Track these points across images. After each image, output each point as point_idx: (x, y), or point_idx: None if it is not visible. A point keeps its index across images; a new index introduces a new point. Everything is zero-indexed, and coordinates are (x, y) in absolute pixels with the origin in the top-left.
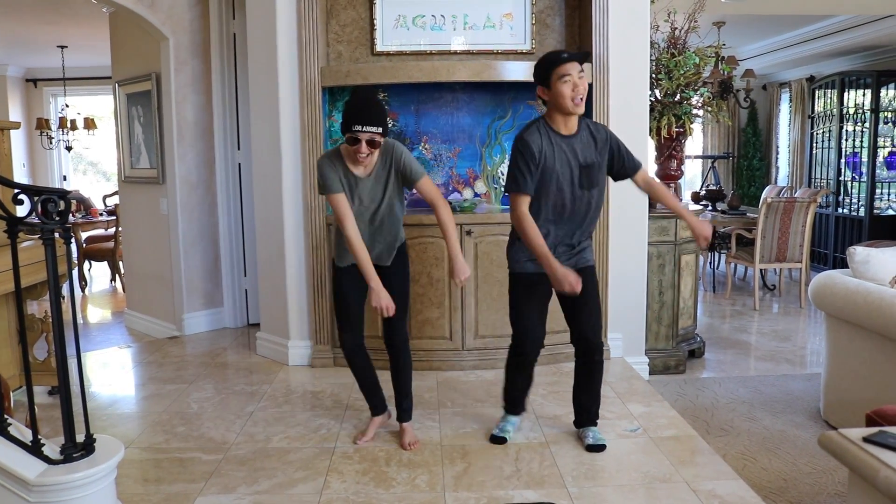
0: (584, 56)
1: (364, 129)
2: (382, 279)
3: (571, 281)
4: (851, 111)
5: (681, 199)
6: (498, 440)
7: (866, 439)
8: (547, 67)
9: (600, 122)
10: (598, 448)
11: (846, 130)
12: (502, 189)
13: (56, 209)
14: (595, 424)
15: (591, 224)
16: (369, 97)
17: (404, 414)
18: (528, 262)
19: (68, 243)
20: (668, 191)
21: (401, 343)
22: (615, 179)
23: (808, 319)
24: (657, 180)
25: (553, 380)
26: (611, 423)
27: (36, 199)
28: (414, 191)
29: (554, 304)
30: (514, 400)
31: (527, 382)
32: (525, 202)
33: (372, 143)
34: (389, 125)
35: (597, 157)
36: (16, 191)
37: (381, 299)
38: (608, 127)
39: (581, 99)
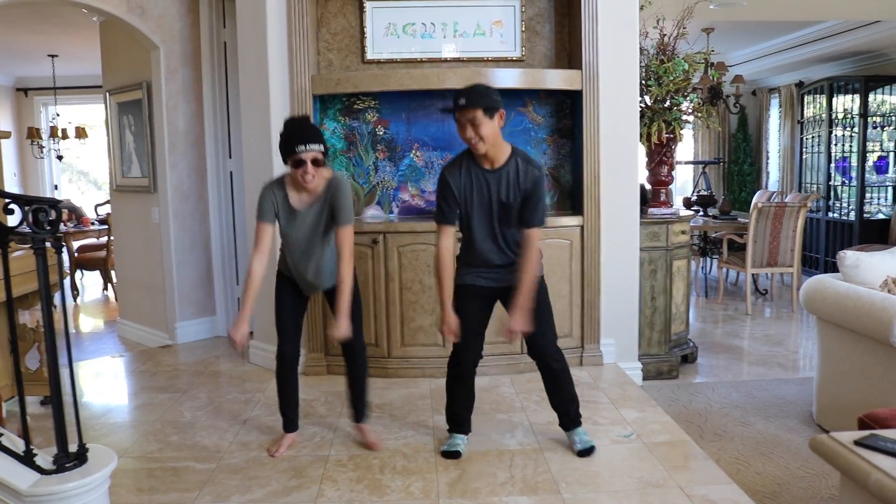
0: (468, 101)
1: (307, 147)
2: (329, 297)
3: (448, 330)
4: (840, 116)
5: (671, 205)
6: (451, 455)
7: (858, 443)
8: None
9: (537, 165)
10: (588, 452)
11: (835, 135)
12: None
13: (47, 218)
14: (579, 425)
15: (518, 249)
16: (303, 121)
17: (361, 415)
18: (464, 274)
19: (59, 252)
20: (533, 263)
21: (359, 350)
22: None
23: (799, 324)
24: (534, 248)
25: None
26: (604, 429)
27: (27, 208)
28: (403, 200)
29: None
30: (458, 418)
31: (468, 398)
32: (446, 233)
33: (316, 163)
34: (326, 143)
35: (513, 198)
36: (6, 201)
37: (237, 332)
38: (539, 173)
39: (476, 141)
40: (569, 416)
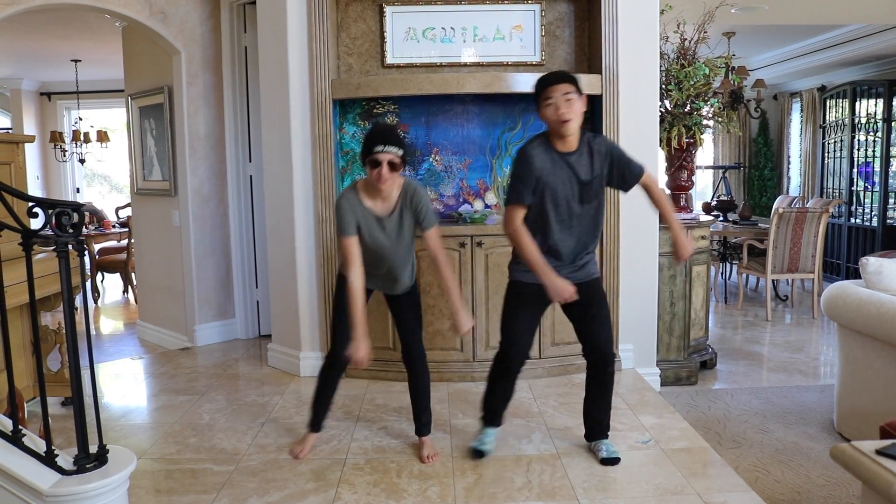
0: (566, 77)
1: (385, 148)
2: (396, 302)
3: (566, 292)
4: (863, 120)
5: (691, 210)
6: (478, 454)
7: (879, 452)
8: (536, 92)
9: (602, 135)
10: (613, 461)
11: (858, 140)
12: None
13: (70, 222)
14: (607, 437)
15: (590, 239)
16: (386, 126)
17: (423, 428)
18: (525, 271)
19: (82, 256)
20: (665, 197)
21: (418, 358)
22: (624, 189)
23: (820, 330)
24: (658, 186)
25: (564, 391)
26: (622, 435)
27: (50, 211)
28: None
29: (561, 315)
30: (494, 410)
31: (507, 394)
32: (520, 214)
33: (393, 166)
34: (407, 151)
35: (595, 173)
36: (30, 204)
37: (359, 351)
38: (608, 139)
39: (566, 121)
40: (602, 427)
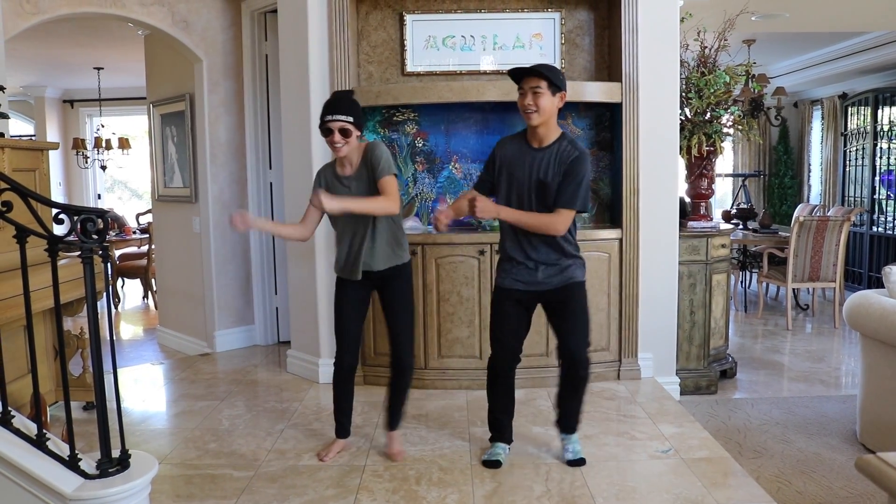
0: (535, 70)
1: (334, 117)
2: (386, 299)
3: (475, 204)
4: (886, 128)
5: (711, 219)
6: (491, 464)
7: None
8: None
9: (581, 149)
10: (578, 463)
11: (880, 148)
12: None
13: (94, 228)
14: (573, 432)
15: (548, 245)
16: (341, 94)
17: (395, 423)
18: (506, 277)
19: (107, 262)
20: (530, 215)
21: (408, 366)
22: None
23: (842, 340)
24: (550, 218)
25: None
26: (642, 444)
27: (76, 218)
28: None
29: (596, 328)
30: (498, 424)
31: (506, 402)
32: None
33: (344, 132)
34: (361, 117)
35: (551, 177)
36: (56, 210)
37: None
38: (583, 157)
39: (531, 112)
40: (569, 421)
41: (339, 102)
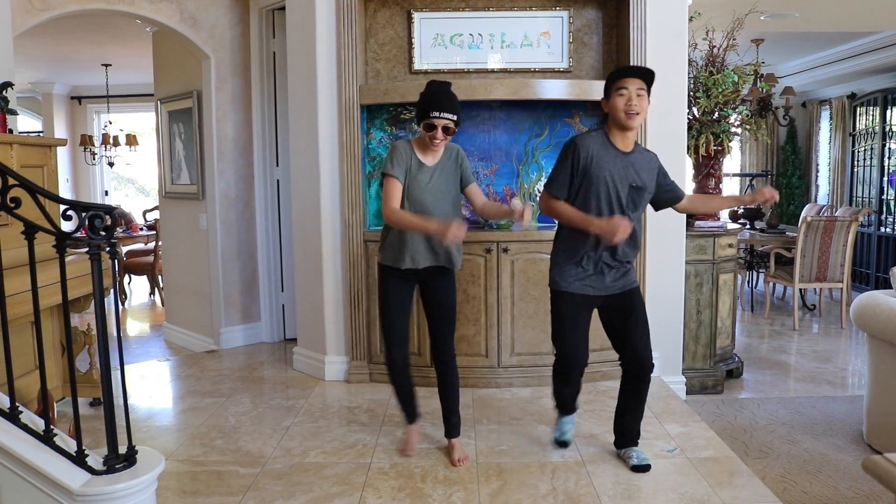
0: (643, 72)
1: (441, 115)
2: (432, 292)
3: (621, 225)
4: (894, 129)
5: (718, 218)
6: (561, 444)
7: None
8: (610, 79)
9: (649, 149)
10: (644, 468)
11: (889, 148)
12: (538, 206)
13: (102, 224)
14: (637, 444)
15: (630, 247)
16: (445, 88)
17: (453, 430)
18: (575, 281)
19: (114, 258)
20: (701, 195)
21: (450, 359)
22: (656, 208)
23: (849, 340)
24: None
25: (590, 398)
26: (648, 443)
27: (84, 214)
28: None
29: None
30: (565, 403)
31: (575, 392)
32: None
33: (447, 130)
34: (460, 114)
35: (646, 182)
36: (64, 206)
37: (452, 227)
38: (655, 154)
39: (634, 114)
40: (632, 434)
41: (447, 99)
